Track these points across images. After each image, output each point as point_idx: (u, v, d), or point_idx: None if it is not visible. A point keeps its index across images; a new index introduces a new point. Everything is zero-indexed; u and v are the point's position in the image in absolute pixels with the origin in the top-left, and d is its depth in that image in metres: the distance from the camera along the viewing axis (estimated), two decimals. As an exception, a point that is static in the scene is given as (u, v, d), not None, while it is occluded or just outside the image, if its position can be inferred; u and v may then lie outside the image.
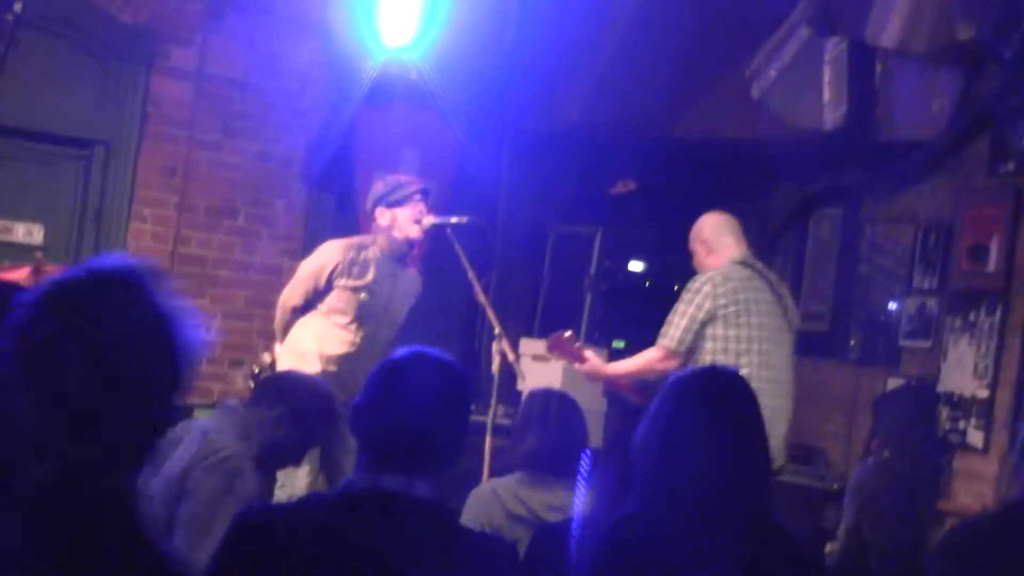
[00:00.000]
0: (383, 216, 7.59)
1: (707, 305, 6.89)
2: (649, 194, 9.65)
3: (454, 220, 7.49)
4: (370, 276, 7.57)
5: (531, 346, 8.81)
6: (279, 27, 9.43)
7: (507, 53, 9.14)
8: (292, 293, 7.66)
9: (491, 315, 7.11)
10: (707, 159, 9.29)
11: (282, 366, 7.38)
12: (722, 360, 6.72)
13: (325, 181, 9.72)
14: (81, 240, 9.11)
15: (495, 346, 6.97)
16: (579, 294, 9.68)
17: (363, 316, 7.54)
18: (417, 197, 7.53)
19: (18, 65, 8.50)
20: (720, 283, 6.96)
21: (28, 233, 8.95)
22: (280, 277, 9.15)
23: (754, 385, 3.71)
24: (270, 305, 8.36)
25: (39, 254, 7.69)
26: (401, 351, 3.55)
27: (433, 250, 8.41)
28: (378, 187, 7.83)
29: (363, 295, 7.54)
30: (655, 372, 7.05)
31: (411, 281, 7.77)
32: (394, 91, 9.30)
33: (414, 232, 7.51)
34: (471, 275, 7.24)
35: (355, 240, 7.74)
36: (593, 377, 7.35)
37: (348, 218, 9.35)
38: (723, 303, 6.89)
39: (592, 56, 9.11)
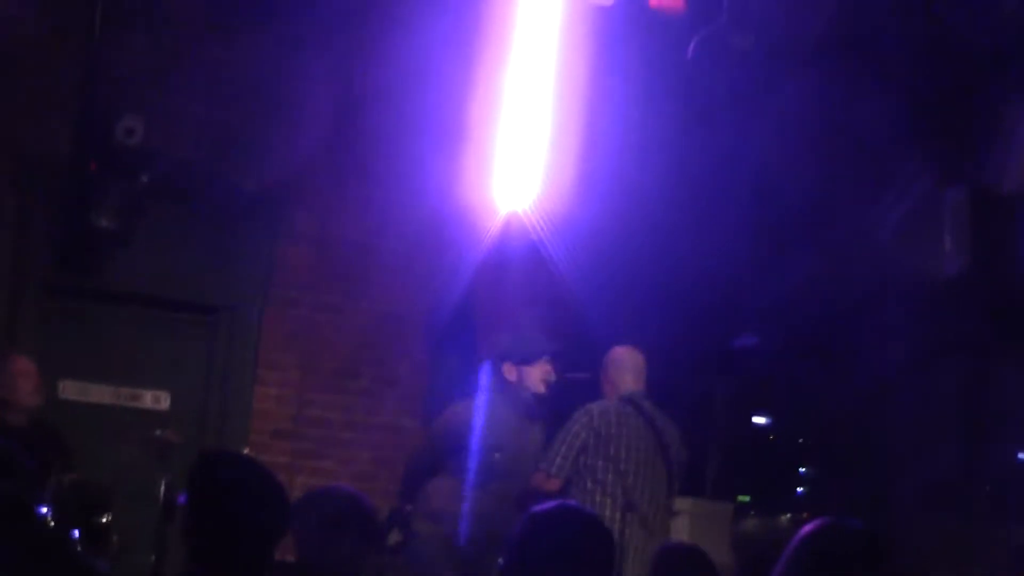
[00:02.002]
0: (510, 372, 7.54)
1: (581, 435, 7.33)
2: (769, 348, 9.66)
3: (578, 375, 7.49)
4: (499, 436, 7.50)
5: None
6: (397, 190, 9.54)
7: (621, 206, 9.01)
8: (419, 460, 7.65)
9: None
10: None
11: (418, 527, 7.45)
12: (590, 486, 7.24)
13: (447, 339, 9.65)
14: (207, 405, 9.21)
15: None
16: (702, 449, 9.56)
17: (495, 473, 7.42)
18: (545, 359, 7.50)
19: (144, 234, 8.74)
20: (596, 416, 7.42)
21: (155, 400, 9.04)
22: (401, 437, 9.27)
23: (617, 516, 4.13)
24: (394, 465, 8.49)
25: (158, 433, 7.75)
26: (545, 506, 3.61)
27: (555, 401, 8.15)
28: (503, 340, 7.81)
29: (496, 455, 7.49)
30: (539, 492, 7.43)
31: (538, 432, 7.64)
32: (513, 249, 9.18)
33: (541, 390, 7.45)
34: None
35: (479, 402, 7.61)
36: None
37: (475, 374, 8.90)
38: (594, 435, 7.28)
39: (718, 210, 9.09)
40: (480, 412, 7.58)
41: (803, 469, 9.57)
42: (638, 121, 8.77)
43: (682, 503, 8.77)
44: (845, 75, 8.29)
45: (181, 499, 4.50)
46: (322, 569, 5.11)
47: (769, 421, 9.84)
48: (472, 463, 7.52)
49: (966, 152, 8.21)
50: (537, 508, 3.73)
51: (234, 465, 4.36)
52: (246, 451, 8.20)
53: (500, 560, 3.80)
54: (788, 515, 7.99)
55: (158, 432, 7.99)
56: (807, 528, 3.80)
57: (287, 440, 9.39)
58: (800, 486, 9.58)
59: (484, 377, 8.40)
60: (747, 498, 9.17)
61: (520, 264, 9.42)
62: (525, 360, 7.55)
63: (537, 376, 7.53)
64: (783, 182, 8.72)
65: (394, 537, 7.91)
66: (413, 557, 7.63)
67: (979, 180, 8.07)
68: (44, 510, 6.88)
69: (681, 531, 8.31)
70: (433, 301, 9.72)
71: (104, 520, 7.39)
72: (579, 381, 7.58)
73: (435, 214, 9.62)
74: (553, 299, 9.48)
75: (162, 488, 7.22)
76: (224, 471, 4.14)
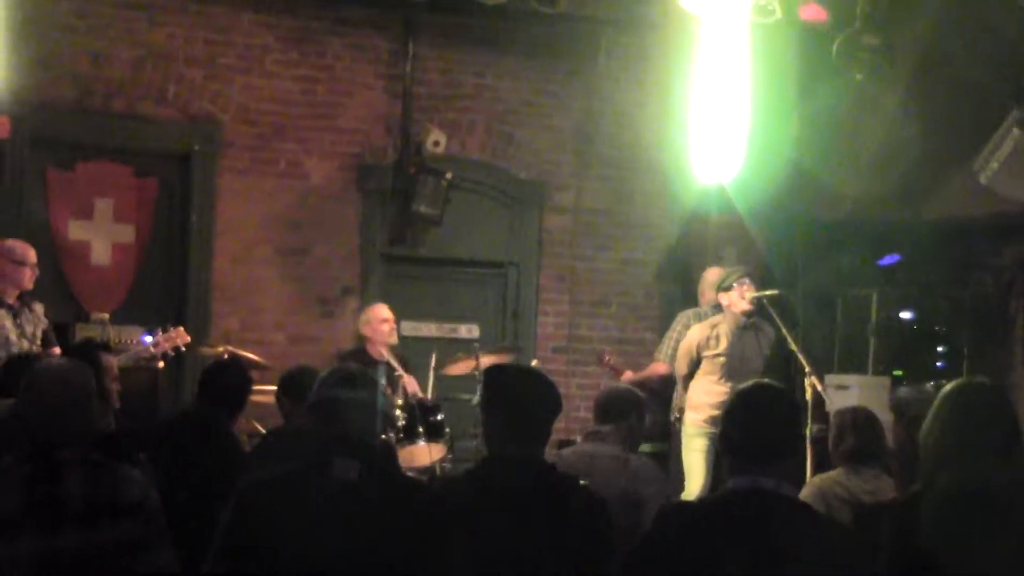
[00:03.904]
0: (723, 298, 7.93)
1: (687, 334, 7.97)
2: (909, 262, 9.76)
3: (768, 293, 7.80)
4: (723, 345, 7.89)
5: (832, 379, 8.78)
6: (629, 170, 9.94)
7: (791, 168, 8.94)
8: (679, 367, 8.09)
9: (802, 358, 7.37)
10: (949, 232, 9.34)
11: (686, 415, 7.89)
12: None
13: (670, 276, 10.05)
14: (504, 333, 9.71)
15: (807, 380, 7.24)
16: (864, 339, 9.78)
17: (726, 373, 7.82)
18: (742, 279, 7.87)
19: (452, 215, 9.36)
20: (693, 319, 8.11)
21: (468, 331, 9.68)
22: (644, 347, 9.71)
23: None
24: (637, 366, 9.02)
25: (476, 344, 8.56)
26: (745, 385, 3.64)
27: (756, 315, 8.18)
28: (714, 274, 8.24)
29: (721, 359, 7.85)
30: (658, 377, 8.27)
31: (764, 337, 7.93)
32: (713, 207, 9.39)
33: (743, 307, 7.82)
34: (784, 331, 7.58)
35: (708, 321, 8.07)
36: (628, 381, 8.13)
37: (687, 300, 9.36)
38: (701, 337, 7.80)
39: (855, 160, 8.98)
40: (705, 329, 8.00)
41: (940, 348, 9.47)
42: (806, 113, 8.80)
43: (850, 379, 8.95)
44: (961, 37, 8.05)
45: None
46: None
47: (912, 315, 9.66)
48: (708, 367, 7.93)
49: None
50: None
51: (513, 371, 4.56)
52: (534, 362, 8.71)
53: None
54: (931, 382, 7.60)
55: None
56: (947, 387, 3.85)
57: (564, 354, 9.81)
58: (939, 361, 9.44)
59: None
60: (900, 372, 9.13)
61: (718, 216, 9.66)
62: (729, 287, 7.89)
63: (737, 295, 7.84)
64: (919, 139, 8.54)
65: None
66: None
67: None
68: (397, 413, 7.71)
69: (852, 400, 8.06)
70: (658, 249, 10.03)
71: (439, 417, 8.03)
72: (771, 298, 7.81)
73: (658, 186, 9.87)
74: (743, 241, 9.63)
75: (478, 393, 7.09)
76: (506, 377, 4.27)
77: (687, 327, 8.26)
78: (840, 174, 9.05)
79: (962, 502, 3.53)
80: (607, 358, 8.90)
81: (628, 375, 8.71)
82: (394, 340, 8.50)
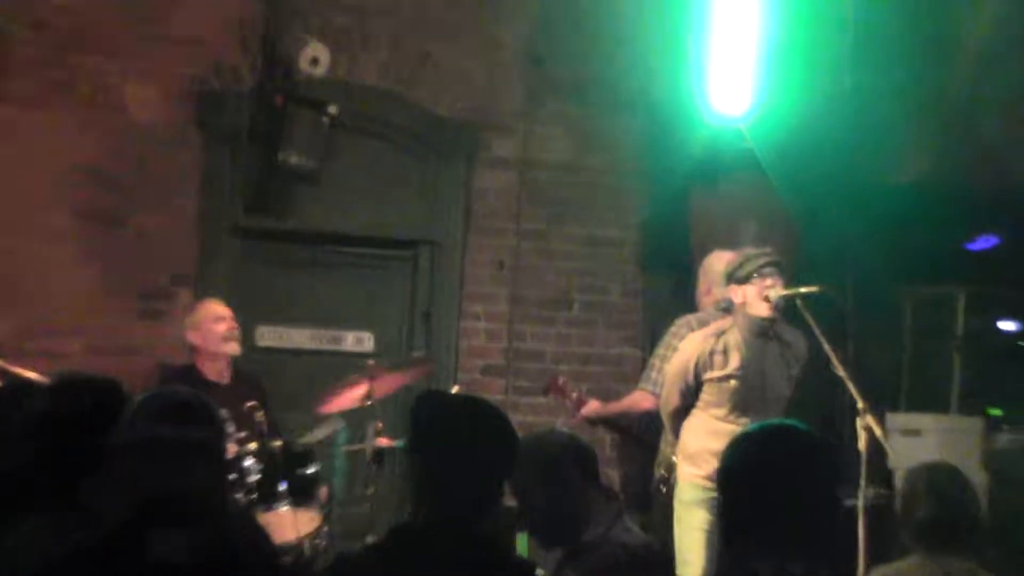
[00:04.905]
0: (736, 294, 7.81)
1: None
2: (1010, 247, 9.95)
3: (804, 290, 7.62)
4: (734, 362, 7.78)
5: (899, 419, 9.02)
6: (599, 107, 10.01)
7: (843, 108, 9.38)
8: (668, 398, 8.00)
9: (852, 389, 7.27)
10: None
11: (680, 471, 7.89)
12: None
13: (659, 262, 10.10)
14: (411, 343, 9.73)
15: (859, 421, 7.17)
16: (946, 359, 9.94)
17: (740, 404, 7.75)
18: (767, 271, 7.70)
19: (336, 170, 9.40)
20: (697, 326, 8.27)
21: (358, 341, 9.70)
22: (622, 367, 9.84)
23: None
24: (615, 396, 8.96)
25: (371, 362, 8.38)
26: (760, 426, 3.85)
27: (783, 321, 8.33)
28: (723, 261, 8.16)
29: (732, 383, 7.75)
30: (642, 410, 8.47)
31: (789, 350, 7.92)
32: (726, 162, 9.62)
33: (764, 310, 7.68)
34: (826, 347, 7.42)
35: (712, 327, 7.97)
36: (593, 421, 8.49)
37: (686, 299, 9.12)
38: None
39: (937, 100, 9.39)
40: (708, 339, 7.86)
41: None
42: (867, 27, 9.18)
43: (925, 420, 9.15)
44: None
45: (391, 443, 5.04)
46: (544, 512, 5.33)
47: (1017, 325, 10.02)
48: (711, 395, 7.85)
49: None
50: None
51: (454, 404, 4.66)
52: (455, 390, 8.81)
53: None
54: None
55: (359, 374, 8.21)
56: None
57: (500, 376, 9.88)
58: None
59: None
60: (998, 411, 9.26)
61: (734, 176, 9.76)
62: (747, 277, 7.74)
63: (756, 294, 7.72)
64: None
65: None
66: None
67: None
68: (249, 463, 7.76)
69: (928, 451, 8.39)
70: (643, 223, 10.14)
71: (312, 471, 7.97)
72: (808, 296, 7.61)
73: (641, 130, 9.96)
74: (770, 211, 9.72)
75: (370, 434, 7.93)
76: (444, 410, 4.39)
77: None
78: (914, 119, 9.41)
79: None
80: (561, 382, 8.80)
81: (593, 407, 8.73)
82: (234, 350, 8.49)
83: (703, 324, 8.26)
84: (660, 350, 8.67)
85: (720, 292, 8.30)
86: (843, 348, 8.48)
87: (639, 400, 8.70)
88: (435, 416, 4.30)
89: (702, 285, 8.73)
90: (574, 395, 8.85)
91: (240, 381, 8.47)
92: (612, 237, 10.20)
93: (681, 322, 8.61)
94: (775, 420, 3.91)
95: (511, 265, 9.98)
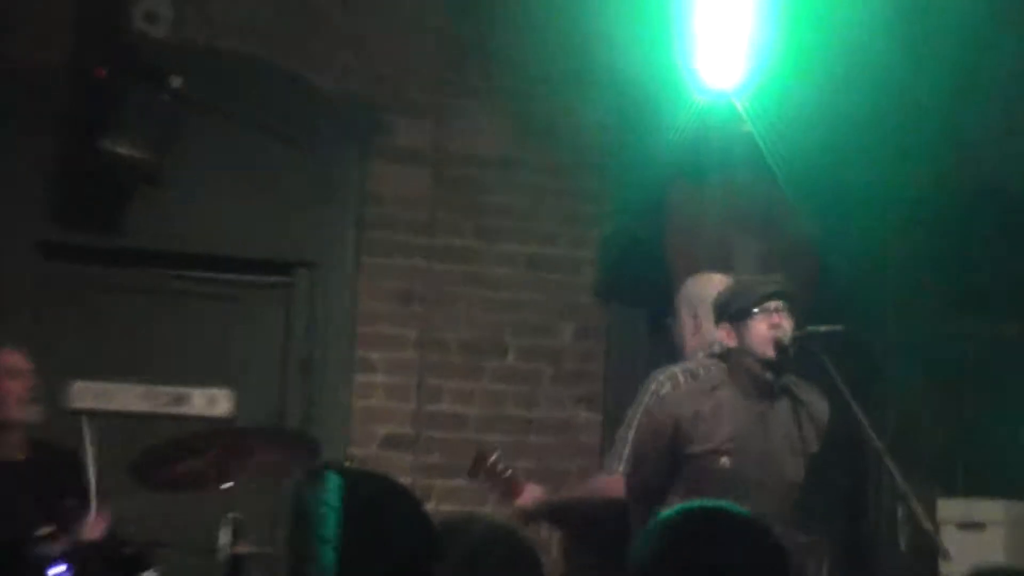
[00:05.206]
0: (729, 335, 7.18)
1: None
2: None
3: (824, 329, 7.07)
4: (726, 427, 7.12)
5: (955, 506, 8.81)
6: (546, 82, 9.47)
7: (874, 79, 8.88)
8: (638, 473, 7.41)
9: (890, 465, 6.85)
10: None
11: None
12: None
13: (627, 291, 9.55)
14: (285, 404, 9.11)
15: (901, 511, 7.02)
16: (1020, 425, 9.28)
17: (733, 490, 6.88)
18: (772, 304, 7.06)
19: (181, 165, 8.67)
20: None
21: (210, 402, 8.93)
22: (575, 437, 9.32)
23: None
24: (559, 480, 8.51)
25: (232, 428, 8.17)
26: (679, 511, 3.66)
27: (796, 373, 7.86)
28: (712, 285, 7.59)
29: (722, 460, 7.09)
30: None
31: (804, 413, 7.34)
32: (716, 153, 8.97)
33: (768, 354, 6.97)
34: (855, 408, 6.89)
35: (704, 380, 7.42)
36: (534, 514, 7.79)
37: (666, 342, 8.34)
38: None
39: (1001, 84, 9.02)
40: (694, 398, 7.26)
41: None
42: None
43: (992, 507, 8.88)
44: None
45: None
46: None
47: None
48: (695, 480, 7.22)
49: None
50: None
51: (353, 485, 4.21)
52: (347, 464, 8.20)
53: None
54: None
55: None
56: None
57: (407, 450, 9.39)
58: None
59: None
60: None
61: (729, 173, 9.11)
62: (743, 312, 7.14)
63: (761, 333, 7.07)
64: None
65: None
66: None
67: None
68: (55, 571, 7.15)
69: (995, 551, 8.27)
70: (608, 237, 9.63)
71: None
72: (828, 337, 7.07)
73: (606, 113, 9.52)
74: (778, 220, 9.17)
75: (224, 534, 7.16)
76: (335, 493, 4.03)
77: None
78: (968, 104, 9.04)
79: None
80: (491, 460, 8.00)
81: (535, 495, 7.91)
82: (34, 416, 7.80)
83: (695, 378, 7.64)
84: (632, 414, 7.75)
85: (712, 329, 7.59)
86: (880, 409, 8.09)
87: (603, 486, 7.82)
88: (325, 503, 4.03)
89: (686, 320, 7.96)
90: (507, 475, 7.97)
91: (43, 456, 7.83)
92: (562, 257, 9.64)
93: (663, 377, 7.74)
94: (703, 502, 3.65)
95: (422, 296, 9.34)
